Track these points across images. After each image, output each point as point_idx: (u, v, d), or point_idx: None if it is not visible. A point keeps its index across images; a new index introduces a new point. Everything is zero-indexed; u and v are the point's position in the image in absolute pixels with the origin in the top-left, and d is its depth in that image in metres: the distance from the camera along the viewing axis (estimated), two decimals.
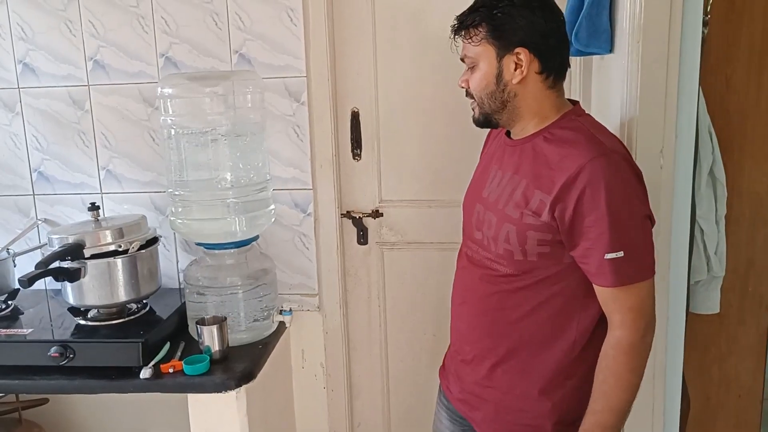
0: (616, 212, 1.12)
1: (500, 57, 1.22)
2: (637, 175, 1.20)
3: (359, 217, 1.99)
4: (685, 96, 1.45)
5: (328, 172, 1.91)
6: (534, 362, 1.27)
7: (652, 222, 1.21)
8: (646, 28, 1.39)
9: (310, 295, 1.97)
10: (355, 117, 1.93)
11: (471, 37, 1.24)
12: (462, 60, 1.29)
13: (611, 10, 1.56)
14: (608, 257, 1.13)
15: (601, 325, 1.24)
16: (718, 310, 1.91)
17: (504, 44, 1.21)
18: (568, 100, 1.30)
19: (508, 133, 1.34)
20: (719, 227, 1.84)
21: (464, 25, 1.25)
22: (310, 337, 2.00)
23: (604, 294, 1.18)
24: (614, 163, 1.14)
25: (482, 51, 1.23)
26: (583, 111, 1.31)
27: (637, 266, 1.16)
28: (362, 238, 2.00)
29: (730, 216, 1.92)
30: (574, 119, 1.25)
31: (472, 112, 1.30)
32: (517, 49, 1.21)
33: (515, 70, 1.22)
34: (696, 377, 2.10)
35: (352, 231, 2.00)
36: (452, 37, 1.28)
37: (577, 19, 1.58)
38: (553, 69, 1.24)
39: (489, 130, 1.43)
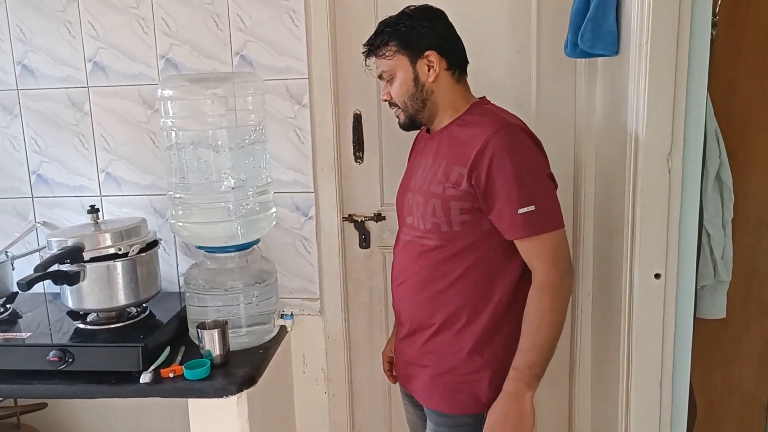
0: (522, 173, 1.31)
1: (413, 63, 1.41)
2: (536, 142, 1.39)
3: (361, 220, 1.97)
4: (694, 99, 1.43)
5: (329, 175, 1.89)
6: (465, 325, 1.42)
7: (555, 183, 1.40)
8: (654, 29, 1.37)
9: (311, 299, 1.95)
10: (357, 119, 1.92)
11: (384, 55, 1.42)
12: (379, 77, 1.47)
13: (617, 12, 1.55)
14: (521, 212, 1.30)
15: (521, 283, 1.40)
16: (724, 315, 1.89)
17: (414, 51, 1.41)
18: (478, 98, 1.50)
19: (427, 131, 1.53)
20: (726, 231, 1.82)
21: (375, 45, 1.44)
22: (312, 341, 1.98)
23: (523, 247, 1.35)
24: (514, 132, 1.34)
25: (396, 63, 1.42)
26: (489, 102, 1.49)
27: (548, 218, 1.34)
28: (364, 241, 1.98)
29: (734, 221, 1.90)
30: (481, 106, 1.45)
31: (397, 119, 1.49)
32: (427, 53, 1.40)
33: (429, 70, 1.41)
34: (700, 383, 2.08)
35: (353, 235, 1.99)
36: (365, 62, 1.48)
37: (582, 21, 1.57)
38: (458, 64, 1.44)
39: (413, 141, 1.64)
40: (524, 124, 1.42)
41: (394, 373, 1.65)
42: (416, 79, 1.43)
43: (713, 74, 1.84)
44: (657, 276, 1.48)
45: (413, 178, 1.50)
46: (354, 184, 1.96)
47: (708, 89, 1.70)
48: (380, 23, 1.46)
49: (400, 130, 1.90)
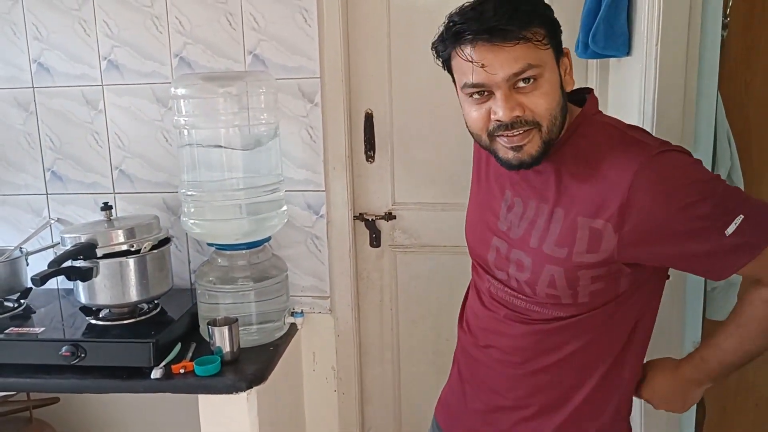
0: (703, 193, 0.95)
1: (557, 60, 1.02)
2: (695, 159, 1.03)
3: (372, 219, 1.97)
4: (704, 100, 1.43)
5: (341, 173, 1.90)
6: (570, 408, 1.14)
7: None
8: (665, 30, 1.37)
9: (321, 297, 1.96)
10: (368, 118, 1.93)
11: (531, 40, 0.96)
12: (513, 76, 0.96)
13: (629, 12, 1.55)
14: (729, 231, 0.94)
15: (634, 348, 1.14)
16: None
17: (559, 45, 1.02)
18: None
19: None
20: None
21: (513, 23, 0.95)
22: (322, 339, 1.98)
23: (749, 271, 1.00)
24: (668, 157, 0.98)
25: (547, 56, 0.99)
26: (595, 102, 1.10)
27: (762, 222, 0.97)
28: (375, 240, 1.99)
29: None
30: (594, 120, 1.07)
31: (515, 153, 1.01)
32: (565, 48, 1.04)
33: (566, 76, 1.04)
34: (713, 386, 2.07)
35: (364, 233, 1.99)
36: (491, 40, 0.96)
37: (593, 22, 1.57)
38: None
39: (474, 149, 1.27)
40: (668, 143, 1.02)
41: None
42: (561, 84, 1.02)
43: (728, 75, 1.85)
44: (667, 277, 1.48)
45: (501, 218, 1.14)
46: (365, 182, 1.97)
47: (722, 90, 1.70)
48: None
49: (412, 129, 1.92)
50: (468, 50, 0.98)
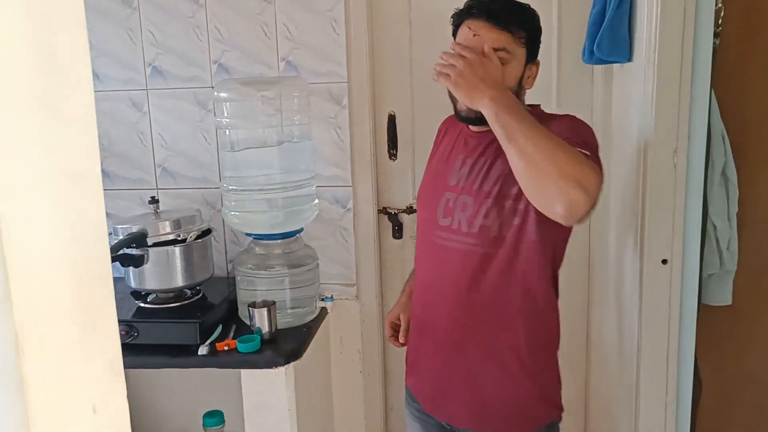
0: (577, 130, 1.32)
1: (527, 62, 1.37)
2: None
3: (395, 212, 2.13)
4: (698, 101, 1.58)
5: (366, 170, 2.06)
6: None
7: None
8: (662, 39, 1.52)
9: (348, 285, 2.12)
10: (391, 120, 2.09)
11: (513, 34, 1.32)
12: (493, 50, 1.29)
13: (630, 22, 1.70)
14: (579, 149, 1.21)
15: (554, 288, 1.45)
16: (730, 302, 2.02)
17: (533, 54, 1.39)
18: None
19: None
20: (731, 224, 1.95)
21: (508, 20, 1.31)
22: (348, 324, 2.14)
23: None
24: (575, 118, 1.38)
25: (518, 51, 1.34)
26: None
27: (596, 162, 1.27)
28: (397, 232, 2.15)
29: (746, 217, 2.02)
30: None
31: (467, 107, 1.33)
32: (537, 61, 1.40)
33: (529, 78, 1.39)
34: (713, 372, 2.19)
35: (388, 226, 2.15)
36: (488, 20, 1.31)
37: (599, 31, 1.72)
38: None
39: (439, 129, 1.62)
40: None
41: (401, 340, 1.63)
42: (521, 78, 1.37)
43: (725, 78, 1.99)
44: (664, 261, 1.63)
45: (452, 175, 1.43)
46: (388, 179, 2.13)
47: (718, 93, 1.86)
48: (514, 3, 1.36)
49: (432, 130, 2.06)
50: (471, 22, 1.35)
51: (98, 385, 0.65)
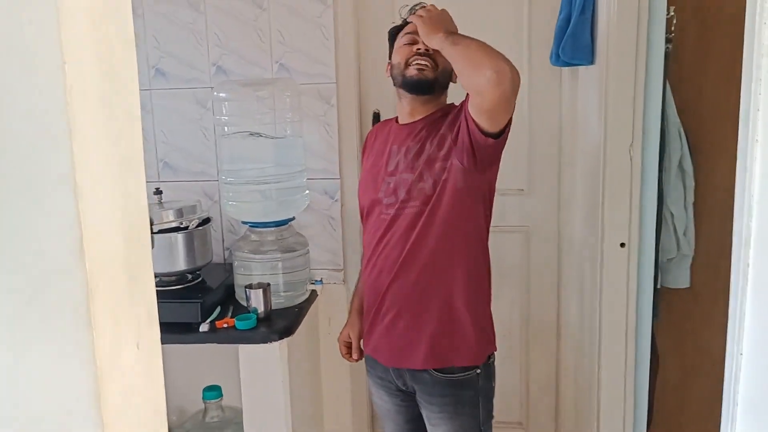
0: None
1: None
2: None
3: None
4: (651, 100, 1.76)
5: (353, 164, 2.22)
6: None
7: None
8: (617, 43, 1.71)
9: (336, 270, 2.29)
10: (376, 117, 2.25)
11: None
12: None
13: (593, 28, 1.88)
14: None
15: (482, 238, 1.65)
16: (688, 285, 2.20)
17: None
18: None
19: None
20: (688, 213, 2.13)
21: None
22: (336, 307, 2.30)
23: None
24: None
25: None
26: None
27: None
28: None
29: (704, 206, 2.19)
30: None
31: (417, 72, 1.58)
32: None
33: (455, 75, 1.61)
34: (674, 349, 2.37)
35: None
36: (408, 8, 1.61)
37: (563, 36, 1.90)
38: None
39: (366, 138, 1.83)
40: None
41: (354, 357, 1.83)
42: (452, 70, 1.61)
43: (683, 79, 2.17)
44: (622, 245, 1.81)
45: (389, 164, 1.64)
46: None
47: (677, 92, 2.03)
48: None
49: None
50: (408, 28, 1.63)
51: (140, 326, 0.82)
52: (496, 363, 1.68)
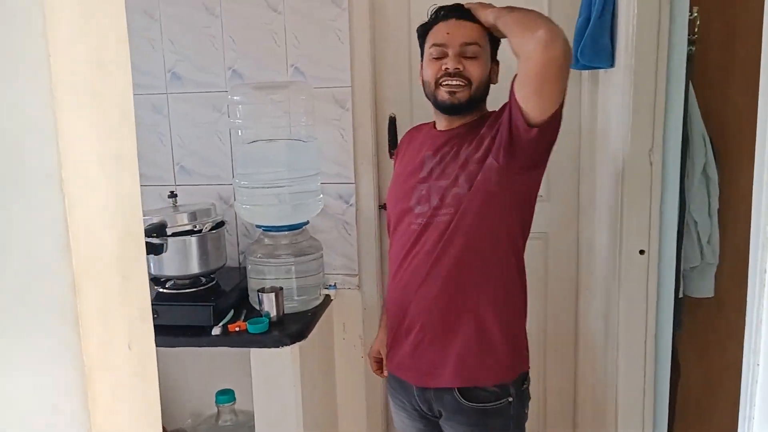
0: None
1: (491, 60, 1.56)
2: None
3: None
4: (672, 103, 1.71)
5: (368, 168, 2.21)
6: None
7: None
8: (637, 45, 1.66)
9: (351, 275, 2.27)
10: (392, 121, 2.23)
11: (482, 28, 1.51)
12: (463, 44, 1.50)
13: (613, 30, 1.84)
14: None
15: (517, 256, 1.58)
16: (712, 294, 2.14)
17: (495, 53, 1.58)
18: None
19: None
20: (712, 221, 2.08)
21: (476, 21, 1.52)
22: (351, 312, 2.28)
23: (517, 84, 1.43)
24: None
25: (487, 48, 1.54)
26: None
27: None
28: None
29: (729, 214, 2.14)
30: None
31: (449, 96, 1.50)
32: (497, 60, 1.59)
33: (494, 75, 1.58)
34: (697, 361, 2.31)
35: None
36: (460, 18, 1.52)
37: (582, 39, 1.86)
38: None
39: (401, 142, 1.78)
40: None
41: (386, 373, 1.74)
42: (489, 74, 1.54)
43: (708, 83, 2.11)
44: (641, 252, 1.76)
45: (423, 171, 1.56)
46: (389, 176, 2.26)
47: (701, 97, 1.98)
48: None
49: None
50: (441, 24, 1.53)
51: (132, 326, 0.81)
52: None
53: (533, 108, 1.39)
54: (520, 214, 1.55)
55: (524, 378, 1.59)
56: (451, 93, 1.50)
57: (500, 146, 1.44)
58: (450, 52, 1.50)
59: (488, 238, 1.50)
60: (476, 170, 1.47)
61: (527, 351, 1.62)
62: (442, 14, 1.54)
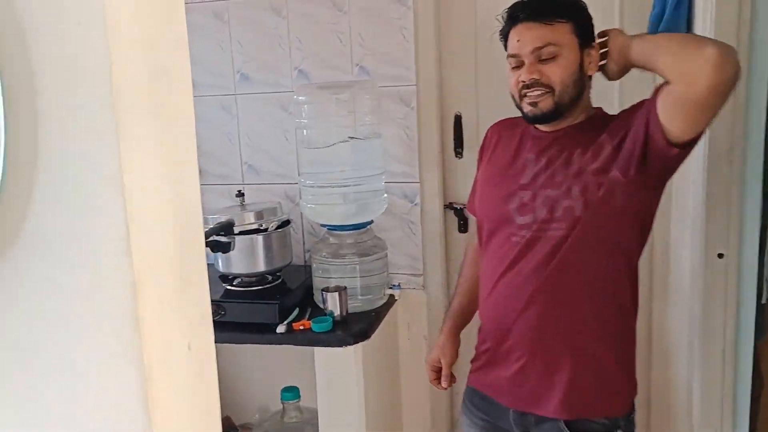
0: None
1: (582, 48, 1.39)
2: None
3: (460, 207, 2.24)
4: (754, 101, 1.61)
5: (433, 167, 2.18)
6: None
7: None
8: (717, 37, 1.58)
9: (415, 275, 2.25)
10: (457, 120, 2.20)
11: (553, 25, 1.36)
12: (535, 50, 1.36)
13: (690, 24, 1.75)
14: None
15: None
16: None
17: (586, 38, 1.40)
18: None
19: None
20: None
21: (545, 12, 1.36)
22: (415, 312, 2.27)
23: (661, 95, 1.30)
24: None
25: (566, 40, 1.36)
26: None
27: None
28: (463, 226, 2.26)
29: None
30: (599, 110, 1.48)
31: (531, 108, 1.39)
32: (594, 44, 1.40)
33: (590, 63, 1.40)
34: None
35: (453, 220, 2.27)
36: (528, 20, 1.37)
37: (658, 25, 1.78)
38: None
39: (486, 137, 1.64)
40: None
41: (444, 385, 1.67)
42: (581, 65, 1.38)
43: None
44: (720, 256, 1.67)
45: (524, 176, 1.44)
46: (454, 175, 2.25)
47: None
48: None
49: None
50: (514, 29, 1.41)
51: (192, 327, 0.82)
52: None
53: (679, 128, 1.26)
54: (640, 234, 1.43)
55: (633, 407, 1.50)
56: (532, 104, 1.39)
57: (630, 160, 1.31)
58: (526, 61, 1.38)
59: (605, 259, 1.39)
60: (594, 182, 1.34)
61: (635, 376, 1.53)
62: (514, 15, 1.41)
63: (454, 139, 2.22)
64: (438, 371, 1.68)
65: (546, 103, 1.38)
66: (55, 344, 0.73)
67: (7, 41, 0.67)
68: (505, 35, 1.46)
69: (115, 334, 0.71)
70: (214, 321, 1.82)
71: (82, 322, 0.71)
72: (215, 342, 0.88)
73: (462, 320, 1.70)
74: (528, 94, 1.39)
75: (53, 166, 0.69)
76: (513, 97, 1.45)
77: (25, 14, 0.67)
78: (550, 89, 1.37)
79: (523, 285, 1.40)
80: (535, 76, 1.37)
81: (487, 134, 1.65)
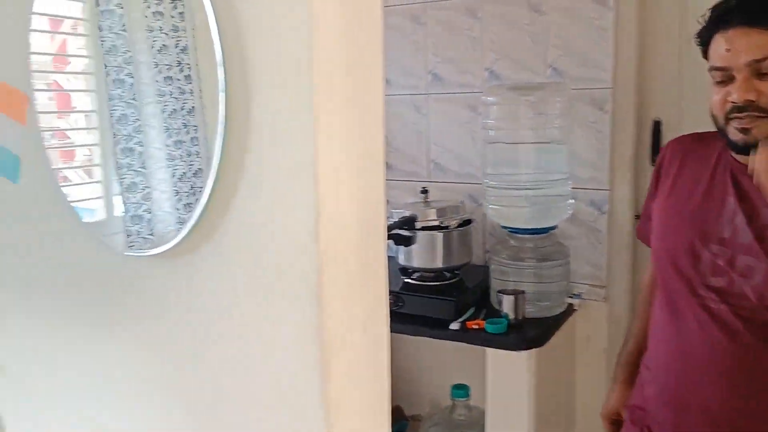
0: None
1: None
2: None
3: None
4: None
5: (625, 175, 2.08)
6: None
7: None
8: None
9: (598, 286, 2.16)
10: (656, 126, 2.08)
11: None
12: (753, 62, 1.10)
13: None
14: None
15: None
16: None
17: None
18: None
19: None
20: None
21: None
22: (596, 324, 2.17)
23: None
24: None
25: None
26: None
27: None
28: None
29: None
30: None
31: (742, 135, 1.14)
32: None
33: None
34: None
35: None
36: (744, 24, 1.10)
37: None
38: None
39: (665, 156, 1.40)
40: None
41: None
42: None
43: None
44: None
45: (718, 224, 1.20)
46: (647, 185, 2.12)
47: None
48: None
49: None
50: (722, 33, 1.13)
51: (368, 310, 0.87)
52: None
53: None
54: None
55: None
56: (743, 131, 1.13)
57: None
58: (738, 76, 1.12)
59: None
60: None
61: None
62: (724, 16, 1.14)
63: (651, 147, 2.09)
64: (617, 425, 1.54)
65: (762, 132, 1.12)
66: (250, 313, 0.82)
67: (229, 37, 0.76)
68: (705, 41, 1.21)
69: (300, 310, 0.77)
70: (392, 311, 1.90)
71: (272, 297, 0.79)
72: (392, 332, 0.93)
73: (637, 367, 1.52)
74: (739, 119, 1.14)
75: (257, 151, 0.77)
76: (714, 117, 1.21)
77: (242, 12, 0.75)
78: (763, 112, 1.12)
79: (711, 363, 1.22)
80: (751, 97, 1.11)
81: (665, 154, 1.41)
